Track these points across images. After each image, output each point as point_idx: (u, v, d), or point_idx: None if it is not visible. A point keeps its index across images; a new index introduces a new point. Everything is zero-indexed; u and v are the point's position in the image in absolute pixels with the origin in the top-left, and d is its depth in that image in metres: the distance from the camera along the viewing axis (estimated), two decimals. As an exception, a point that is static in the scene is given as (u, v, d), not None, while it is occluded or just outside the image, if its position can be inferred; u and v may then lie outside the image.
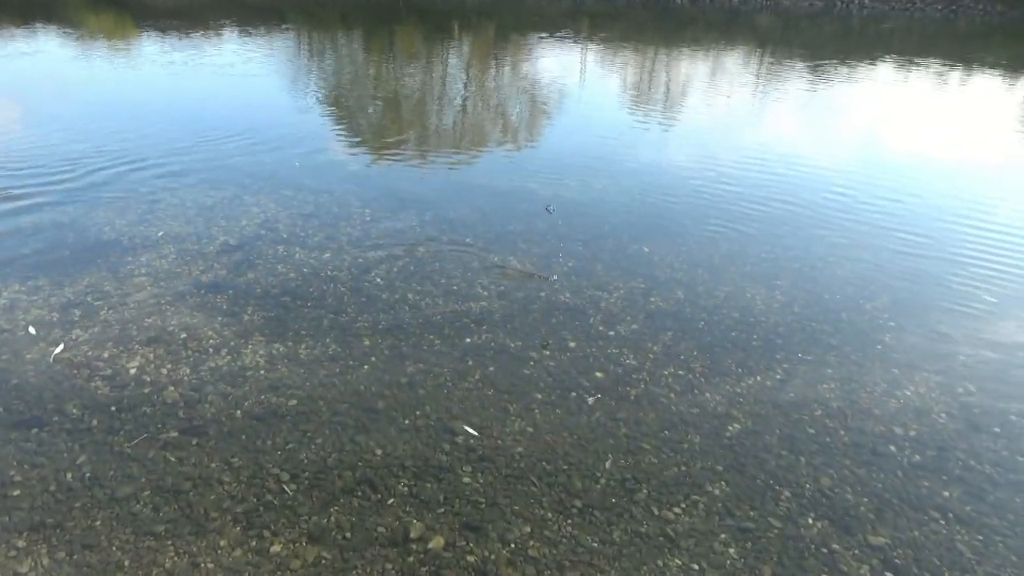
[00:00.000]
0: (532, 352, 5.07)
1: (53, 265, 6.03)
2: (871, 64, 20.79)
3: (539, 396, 4.58)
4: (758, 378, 4.86)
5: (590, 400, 4.55)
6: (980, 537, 3.57)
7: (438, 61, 19.47)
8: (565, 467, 3.97)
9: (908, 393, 4.75)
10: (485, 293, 5.89)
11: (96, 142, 9.63)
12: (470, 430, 4.24)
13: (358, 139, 11.00)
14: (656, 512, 3.66)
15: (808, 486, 3.87)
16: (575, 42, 23.33)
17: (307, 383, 4.62)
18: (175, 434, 4.11)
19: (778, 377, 4.88)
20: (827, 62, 20.78)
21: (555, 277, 6.17)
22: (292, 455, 3.97)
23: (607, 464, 4.00)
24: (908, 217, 8.13)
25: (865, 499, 3.79)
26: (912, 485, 3.90)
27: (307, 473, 3.85)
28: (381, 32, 24.43)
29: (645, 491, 3.80)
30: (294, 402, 4.43)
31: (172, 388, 4.52)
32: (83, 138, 9.82)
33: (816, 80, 18.00)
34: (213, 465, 3.88)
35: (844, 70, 19.63)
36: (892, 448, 4.20)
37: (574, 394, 4.62)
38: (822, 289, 6.22)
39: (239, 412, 4.32)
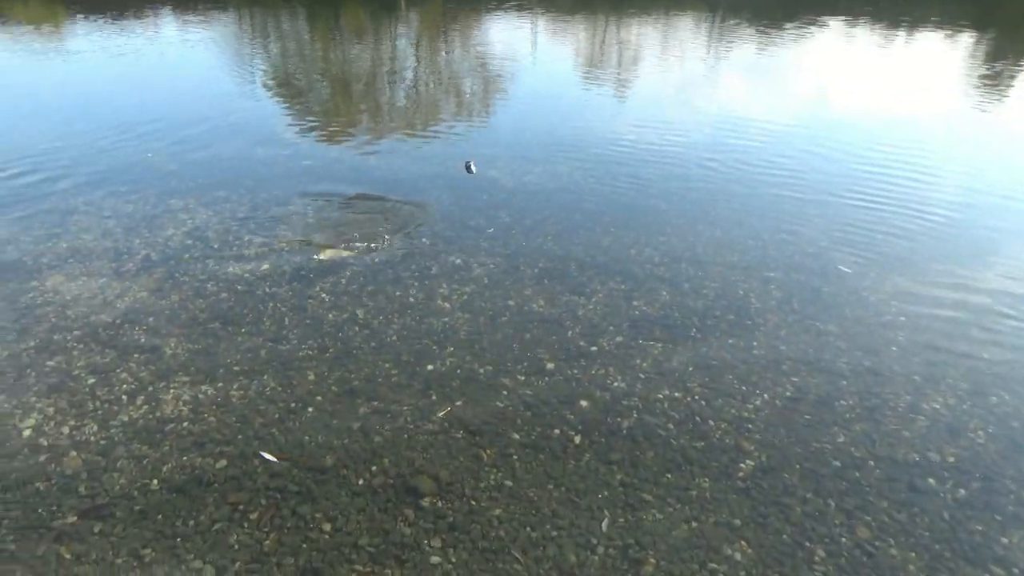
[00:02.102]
0: (505, 379, 4.36)
1: (-64, 298, 5.14)
2: (820, 25, 20.34)
3: (516, 437, 3.89)
4: (766, 396, 4.23)
5: (576, 439, 3.88)
6: (1054, 599, 3.01)
7: (386, 37, 18.41)
8: (554, 533, 3.29)
9: (936, 407, 4.17)
10: (447, 306, 5.16)
11: (12, 143, 8.59)
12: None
13: (302, 126, 10.03)
14: (668, 590, 3.02)
15: (844, 541, 3.25)
16: (525, 13, 22.34)
17: (239, 436, 3.85)
18: (73, 519, 3.32)
19: (788, 395, 4.26)
20: (777, 24, 20.31)
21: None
22: (219, 540, 3.22)
23: (603, 525, 3.33)
24: (889, 187, 7.59)
25: (913, 554, 3.19)
26: (963, 531, 3.31)
27: (237, 564, 3.11)
28: (326, 10, 23.13)
29: (652, 561, 3.14)
30: (223, 463, 3.67)
31: (75, 453, 3.72)
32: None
33: (768, 43, 17.53)
34: (119, 561, 3.11)
35: (794, 31, 19.17)
36: (932, 482, 3.60)
37: (557, 431, 3.93)
38: (818, 280, 5.62)
39: (155, 482, 3.54)
